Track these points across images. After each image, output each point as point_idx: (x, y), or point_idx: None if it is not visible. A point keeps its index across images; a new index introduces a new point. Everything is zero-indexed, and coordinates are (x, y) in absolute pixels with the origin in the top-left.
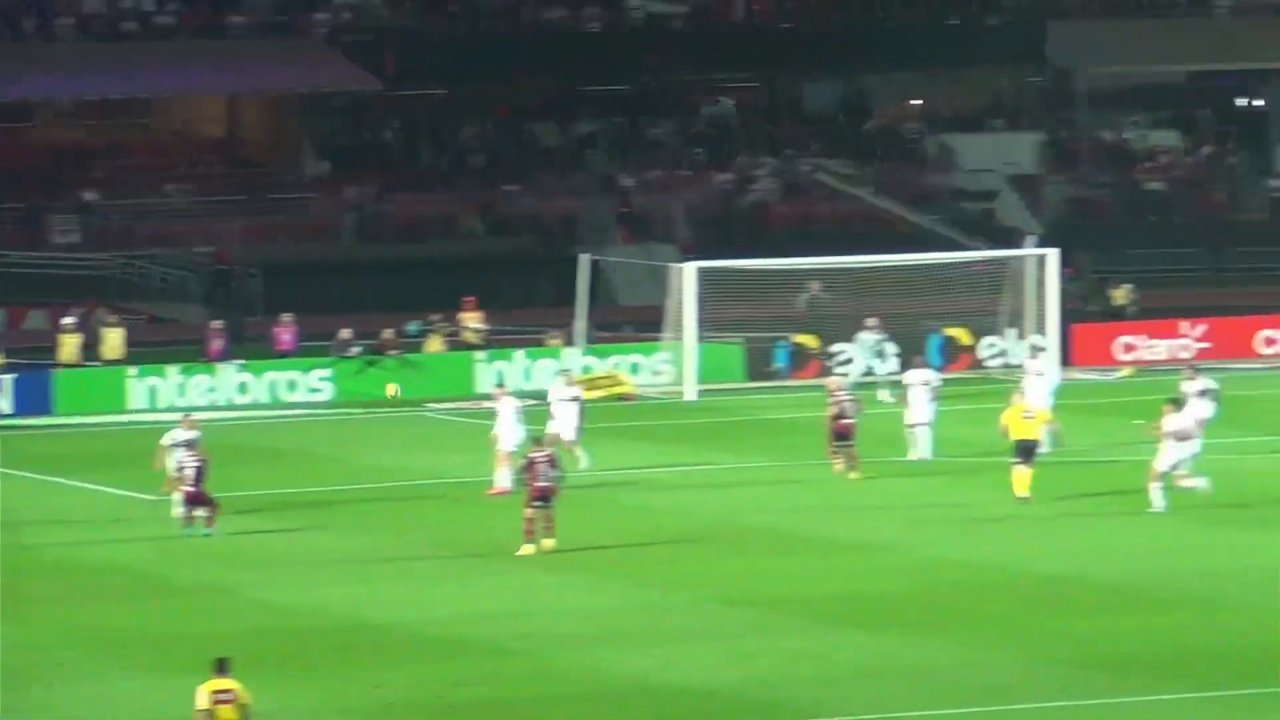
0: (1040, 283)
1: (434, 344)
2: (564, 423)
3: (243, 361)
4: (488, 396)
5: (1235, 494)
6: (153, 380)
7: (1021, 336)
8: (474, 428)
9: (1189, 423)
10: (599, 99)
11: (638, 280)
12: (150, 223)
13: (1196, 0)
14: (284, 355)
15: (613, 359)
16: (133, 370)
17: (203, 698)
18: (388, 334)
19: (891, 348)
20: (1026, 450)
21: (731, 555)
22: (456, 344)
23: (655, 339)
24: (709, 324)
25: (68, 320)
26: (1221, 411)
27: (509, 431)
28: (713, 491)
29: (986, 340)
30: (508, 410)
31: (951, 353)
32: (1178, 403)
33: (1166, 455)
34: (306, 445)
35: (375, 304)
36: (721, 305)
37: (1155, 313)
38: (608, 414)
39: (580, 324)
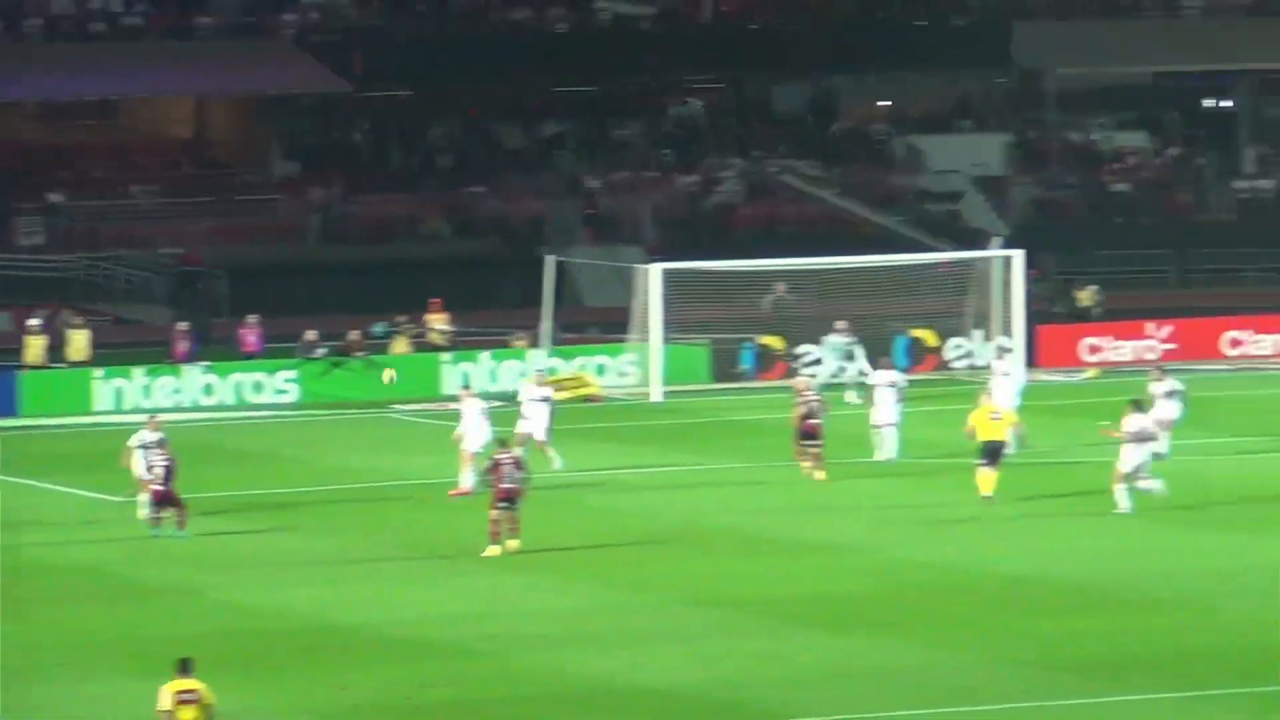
0: (1006, 284)
1: (400, 345)
2: (535, 423)
3: (208, 363)
4: (454, 398)
5: (1200, 495)
6: (118, 382)
7: (987, 338)
8: (440, 429)
9: (1149, 424)
10: (567, 100)
11: (603, 281)
12: (116, 224)
13: (1164, 1)
14: (250, 357)
15: (578, 360)
16: (98, 372)
17: (165, 698)
18: (354, 335)
19: (860, 351)
20: (992, 451)
21: (697, 556)
22: (422, 345)
23: (621, 340)
24: (674, 325)
25: (33, 322)
26: (1187, 413)
27: (474, 432)
28: (679, 493)
29: (952, 341)
30: (473, 411)
31: (917, 354)
32: (1139, 404)
33: (1129, 456)
34: (272, 447)
35: (341, 305)
36: (687, 307)
37: (1121, 314)
38: (573, 415)
39: (546, 325)
